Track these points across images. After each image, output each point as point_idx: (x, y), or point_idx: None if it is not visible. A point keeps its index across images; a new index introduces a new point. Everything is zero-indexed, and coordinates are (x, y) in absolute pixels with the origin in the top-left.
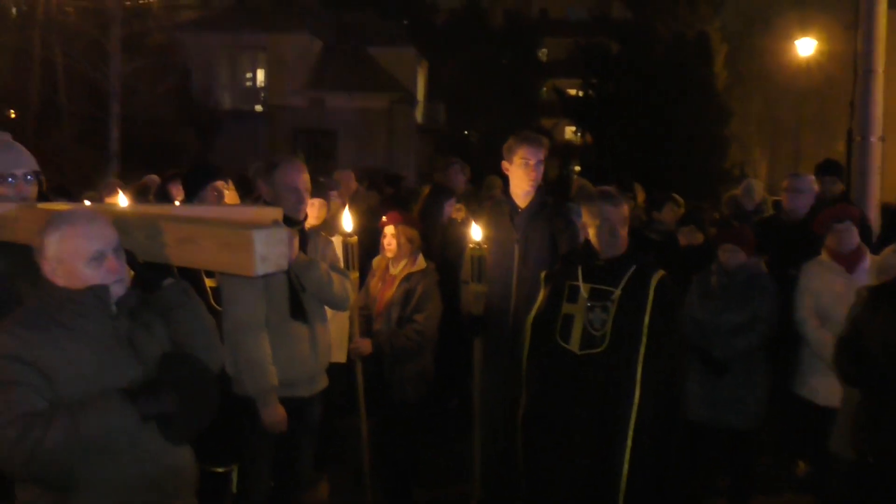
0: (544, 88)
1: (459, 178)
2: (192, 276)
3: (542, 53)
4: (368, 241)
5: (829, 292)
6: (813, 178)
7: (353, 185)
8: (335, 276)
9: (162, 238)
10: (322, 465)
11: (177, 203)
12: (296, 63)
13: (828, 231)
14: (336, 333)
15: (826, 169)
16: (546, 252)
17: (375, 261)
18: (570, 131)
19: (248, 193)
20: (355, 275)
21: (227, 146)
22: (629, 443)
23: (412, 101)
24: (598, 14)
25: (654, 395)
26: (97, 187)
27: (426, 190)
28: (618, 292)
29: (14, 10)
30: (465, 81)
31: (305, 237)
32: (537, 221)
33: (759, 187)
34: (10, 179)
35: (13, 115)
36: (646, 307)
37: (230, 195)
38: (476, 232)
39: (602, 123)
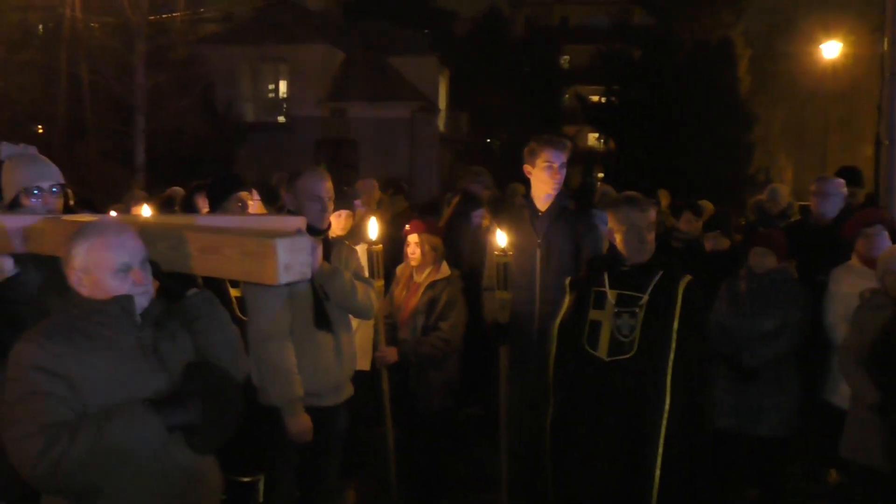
0: (566, 95)
1: (481, 186)
2: (216, 286)
3: (564, 60)
4: (393, 249)
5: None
6: (842, 181)
7: (377, 194)
8: (359, 285)
9: (185, 248)
10: (348, 474)
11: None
12: (318, 74)
13: (858, 235)
14: (360, 342)
15: (845, 177)
16: (568, 257)
17: (399, 269)
18: (592, 138)
19: (272, 203)
20: (380, 283)
21: (251, 157)
22: (660, 450)
23: (434, 109)
24: (619, 20)
25: (684, 401)
26: (123, 200)
27: (456, 199)
28: (646, 298)
29: (40, 28)
30: (486, 90)
31: (329, 246)
32: (558, 225)
33: (784, 192)
34: (36, 192)
35: (41, 131)
36: (674, 312)
37: (256, 205)
38: (500, 239)
39: (625, 129)
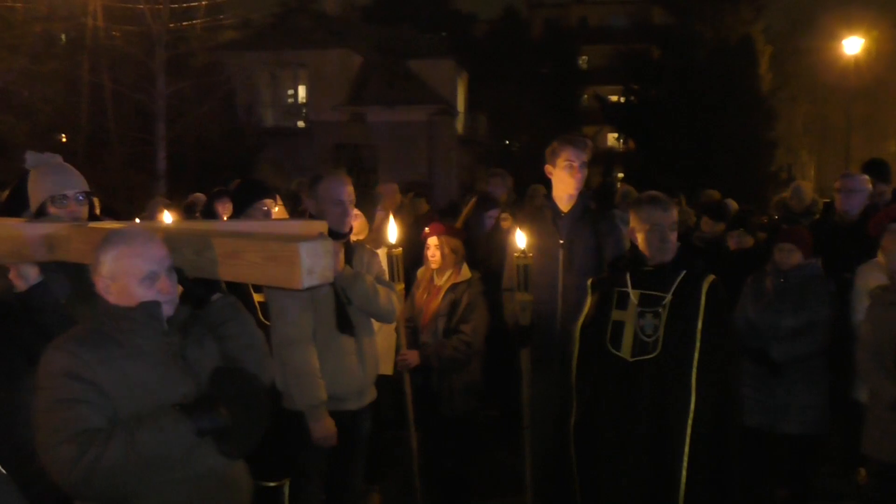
0: (585, 96)
1: (501, 189)
2: (240, 291)
3: (583, 61)
4: (413, 252)
5: None
6: (866, 177)
7: (398, 197)
8: (381, 289)
9: (209, 253)
10: (373, 478)
11: (224, 220)
12: (336, 79)
13: (884, 232)
14: (382, 346)
15: (871, 172)
16: (591, 257)
17: (420, 272)
18: (612, 138)
19: (293, 208)
20: (401, 286)
21: (271, 163)
22: (686, 450)
23: (453, 112)
24: (638, 20)
25: (710, 400)
26: (146, 207)
27: (472, 200)
28: (669, 297)
29: (63, 37)
30: (505, 91)
31: (351, 250)
32: (581, 226)
33: (808, 189)
34: (61, 200)
35: (64, 140)
36: (698, 312)
37: (278, 211)
38: (521, 240)
39: (645, 129)
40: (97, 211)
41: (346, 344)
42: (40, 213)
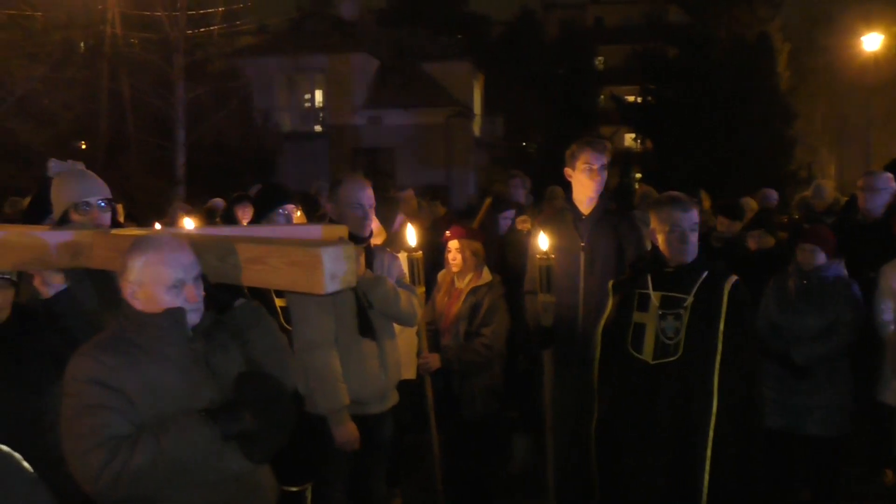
0: (601, 96)
1: (521, 190)
2: (262, 296)
3: (599, 61)
4: (432, 255)
5: None
6: (890, 175)
7: (414, 203)
8: (402, 292)
9: (232, 259)
10: (395, 481)
11: (244, 225)
12: (353, 82)
13: None
14: (404, 350)
15: (895, 170)
16: (612, 259)
17: (440, 275)
18: (629, 138)
19: (311, 212)
20: (421, 290)
21: (289, 167)
22: (709, 453)
23: (469, 114)
24: (654, 19)
25: (732, 402)
26: (167, 213)
27: (486, 202)
28: (690, 299)
29: (82, 45)
30: (521, 93)
31: (371, 254)
32: (602, 228)
33: (829, 188)
34: (84, 207)
35: (84, 147)
36: (720, 313)
37: (298, 217)
38: (542, 242)
39: (662, 129)
40: (120, 218)
41: (368, 348)
42: (63, 220)
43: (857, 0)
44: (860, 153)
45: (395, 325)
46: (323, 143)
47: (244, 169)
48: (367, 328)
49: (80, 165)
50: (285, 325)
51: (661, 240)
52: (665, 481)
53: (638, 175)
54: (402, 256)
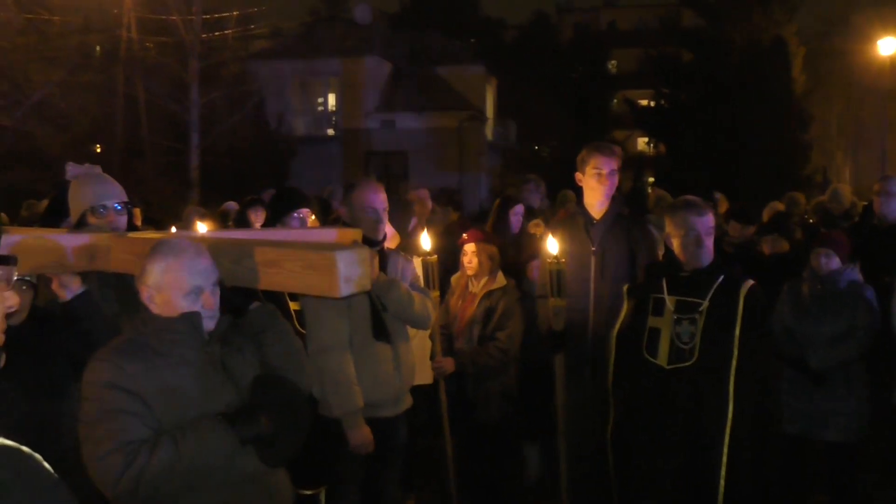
0: (615, 100)
1: (535, 195)
2: (276, 300)
3: (612, 65)
4: (446, 259)
5: None
6: None
7: (429, 204)
8: (416, 295)
9: (248, 262)
10: (409, 485)
11: (257, 228)
12: (366, 86)
13: None
14: (418, 354)
15: None
16: (624, 264)
17: (454, 278)
18: (642, 142)
19: (325, 215)
20: (436, 293)
21: (302, 171)
22: (725, 459)
23: (482, 118)
24: (668, 23)
25: (748, 408)
26: (182, 216)
27: (496, 203)
28: (706, 304)
29: (98, 49)
30: (534, 97)
31: (385, 257)
32: (614, 233)
33: (846, 192)
34: (101, 210)
35: (99, 150)
36: (736, 318)
37: (312, 221)
38: (553, 246)
39: (675, 133)
40: (138, 221)
41: (382, 351)
42: (80, 224)
43: (874, 4)
44: (876, 157)
45: (409, 329)
46: (336, 146)
47: (258, 172)
48: (381, 331)
49: (97, 169)
50: (299, 328)
51: (676, 244)
52: (679, 486)
53: (651, 179)
54: (417, 261)
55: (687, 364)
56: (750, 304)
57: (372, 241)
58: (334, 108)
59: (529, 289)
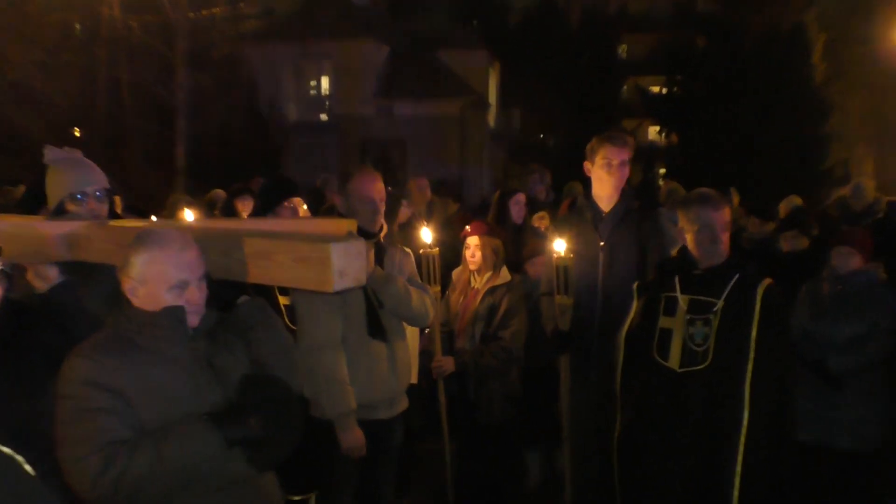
0: (625, 88)
1: (539, 186)
2: (265, 294)
3: (623, 51)
4: (445, 253)
5: None
6: None
7: (428, 194)
8: (414, 291)
9: (236, 254)
10: (404, 491)
11: (244, 218)
12: (362, 71)
13: None
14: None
15: None
16: (634, 260)
17: (455, 273)
18: (653, 132)
19: (318, 205)
20: (436, 289)
21: (294, 159)
22: (738, 468)
23: (484, 105)
24: (681, 7)
25: (763, 414)
26: (166, 205)
27: (496, 194)
28: (720, 304)
29: (78, 27)
30: (540, 83)
31: (382, 250)
32: (623, 227)
33: (869, 187)
34: (80, 197)
35: (78, 134)
36: (752, 319)
37: (303, 211)
38: (560, 241)
39: (688, 122)
40: (118, 209)
41: (377, 349)
42: (59, 211)
43: None
44: None
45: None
46: (330, 134)
47: (247, 160)
48: (376, 329)
49: (77, 153)
50: (290, 324)
51: (689, 240)
52: (691, 496)
53: (663, 171)
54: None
55: (700, 367)
56: (767, 303)
57: (368, 233)
58: (328, 93)
59: (528, 286)
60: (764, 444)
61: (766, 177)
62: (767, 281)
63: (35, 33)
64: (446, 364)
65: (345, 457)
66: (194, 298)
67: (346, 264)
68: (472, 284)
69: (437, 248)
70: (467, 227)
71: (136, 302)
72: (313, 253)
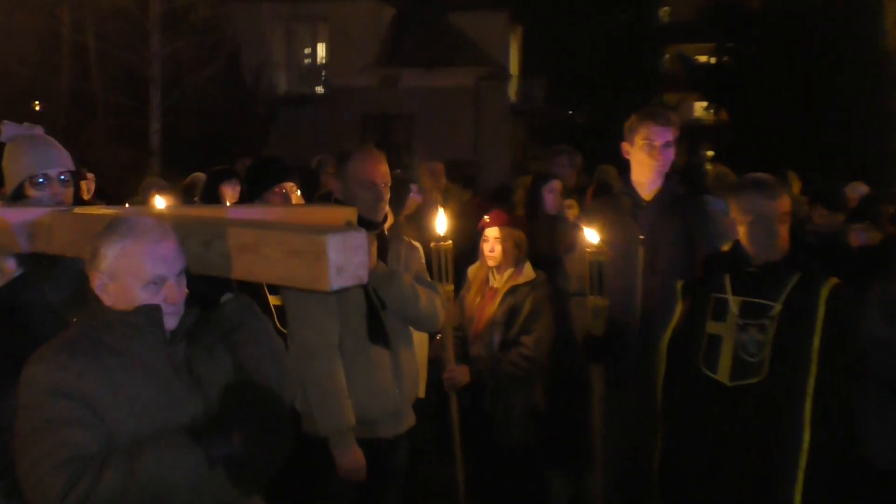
0: (666, 56)
1: (567, 169)
2: (253, 292)
3: (664, 13)
4: (461, 246)
5: None
6: None
7: (443, 179)
8: (422, 290)
9: (219, 246)
10: None
11: (228, 204)
12: (363, 35)
13: None
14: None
15: None
16: (679, 255)
17: (472, 270)
18: (699, 108)
19: (312, 190)
20: (449, 288)
21: (284, 136)
22: (797, 497)
23: (504, 76)
24: None
25: (827, 436)
26: (139, 190)
27: (527, 179)
28: (778, 307)
29: None
30: (567, 51)
31: (385, 243)
32: (667, 217)
33: None
34: (42, 181)
35: (38, 108)
36: (815, 326)
37: (297, 197)
38: (592, 232)
39: (740, 97)
40: (85, 194)
41: (379, 357)
42: (17, 196)
43: None
44: None
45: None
46: (325, 107)
47: (231, 138)
48: (378, 333)
49: (39, 130)
50: (281, 328)
51: (742, 232)
52: None
53: (710, 153)
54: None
55: (753, 381)
56: (833, 307)
57: (370, 223)
58: (324, 61)
59: (565, 284)
60: (827, 470)
61: (830, 158)
62: (833, 281)
63: None
64: (459, 374)
65: (341, 480)
66: (172, 296)
67: (345, 259)
68: (491, 283)
69: (450, 241)
70: (485, 216)
71: (106, 300)
72: (307, 246)
